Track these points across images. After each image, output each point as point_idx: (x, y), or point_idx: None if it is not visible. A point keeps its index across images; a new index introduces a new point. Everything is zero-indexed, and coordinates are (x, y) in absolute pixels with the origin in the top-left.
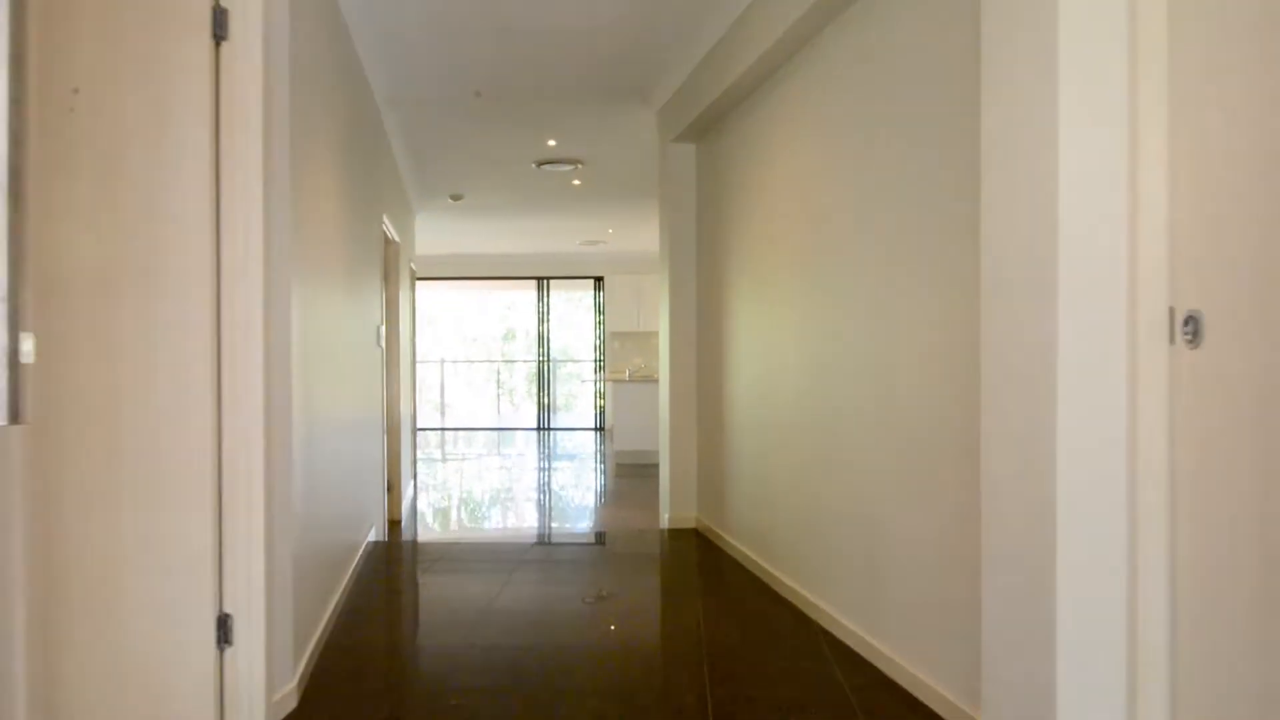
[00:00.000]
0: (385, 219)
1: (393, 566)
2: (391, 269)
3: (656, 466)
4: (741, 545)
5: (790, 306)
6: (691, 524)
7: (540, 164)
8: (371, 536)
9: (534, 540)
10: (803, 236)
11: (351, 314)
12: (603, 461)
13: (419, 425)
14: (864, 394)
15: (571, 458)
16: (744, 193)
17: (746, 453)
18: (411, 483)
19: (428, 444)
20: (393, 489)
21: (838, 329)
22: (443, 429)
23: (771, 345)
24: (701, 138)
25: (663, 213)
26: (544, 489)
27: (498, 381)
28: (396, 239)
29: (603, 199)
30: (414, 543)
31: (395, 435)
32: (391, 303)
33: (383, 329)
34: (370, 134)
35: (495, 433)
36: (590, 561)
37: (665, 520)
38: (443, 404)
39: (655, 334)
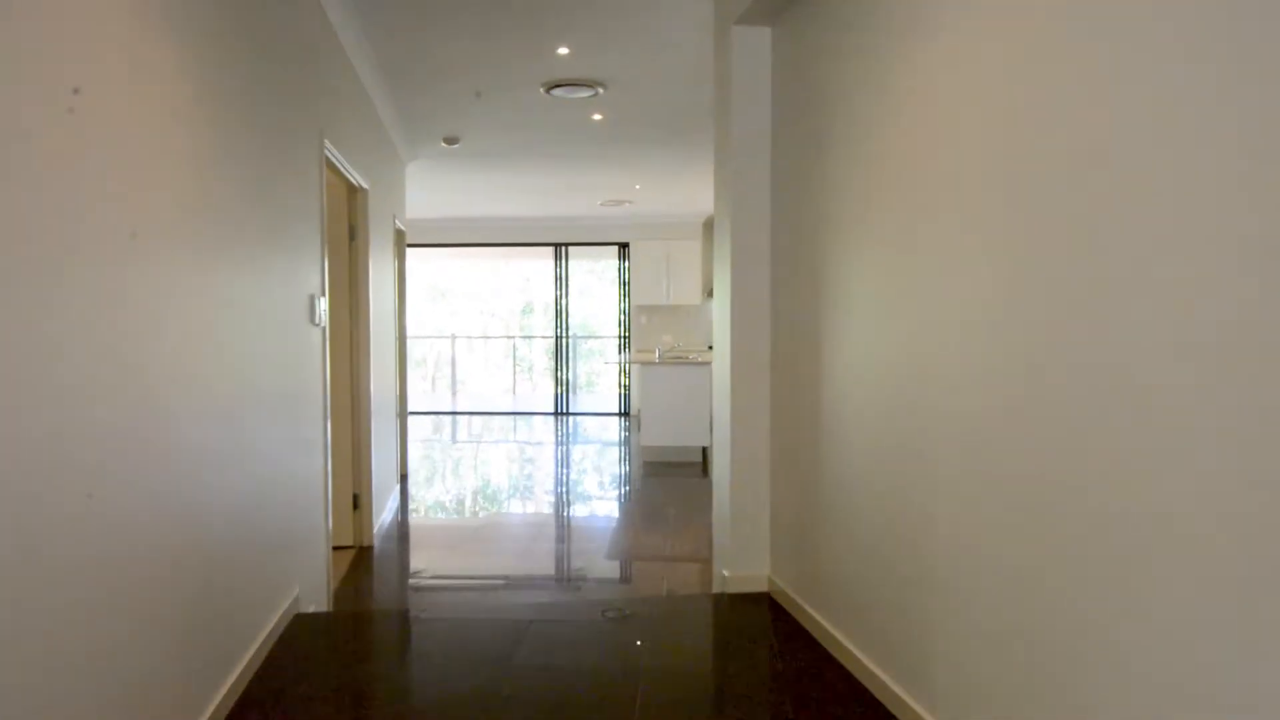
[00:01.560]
0: (330, 147)
1: (300, 679)
2: (358, 221)
3: (690, 467)
4: (853, 644)
5: (968, 269)
6: (761, 585)
7: (550, 87)
8: (298, 602)
9: (535, 612)
10: (1028, 156)
11: (232, 278)
12: (628, 457)
13: (422, 409)
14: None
15: (592, 449)
16: (866, 95)
17: (861, 487)
18: (396, 489)
19: (439, 431)
20: (361, 505)
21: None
22: (454, 413)
23: (925, 321)
24: (780, 15)
25: (721, 129)
26: (557, 498)
27: (514, 358)
28: (364, 185)
29: (628, 143)
30: (356, 616)
31: (362, 433)
32: (357, 266)
33: (321, 301)
34: (285, 19)
35: (510, 417)
36: (613, 665)
37: (723, 577)
38: (454, 384)
39: (686, 308)
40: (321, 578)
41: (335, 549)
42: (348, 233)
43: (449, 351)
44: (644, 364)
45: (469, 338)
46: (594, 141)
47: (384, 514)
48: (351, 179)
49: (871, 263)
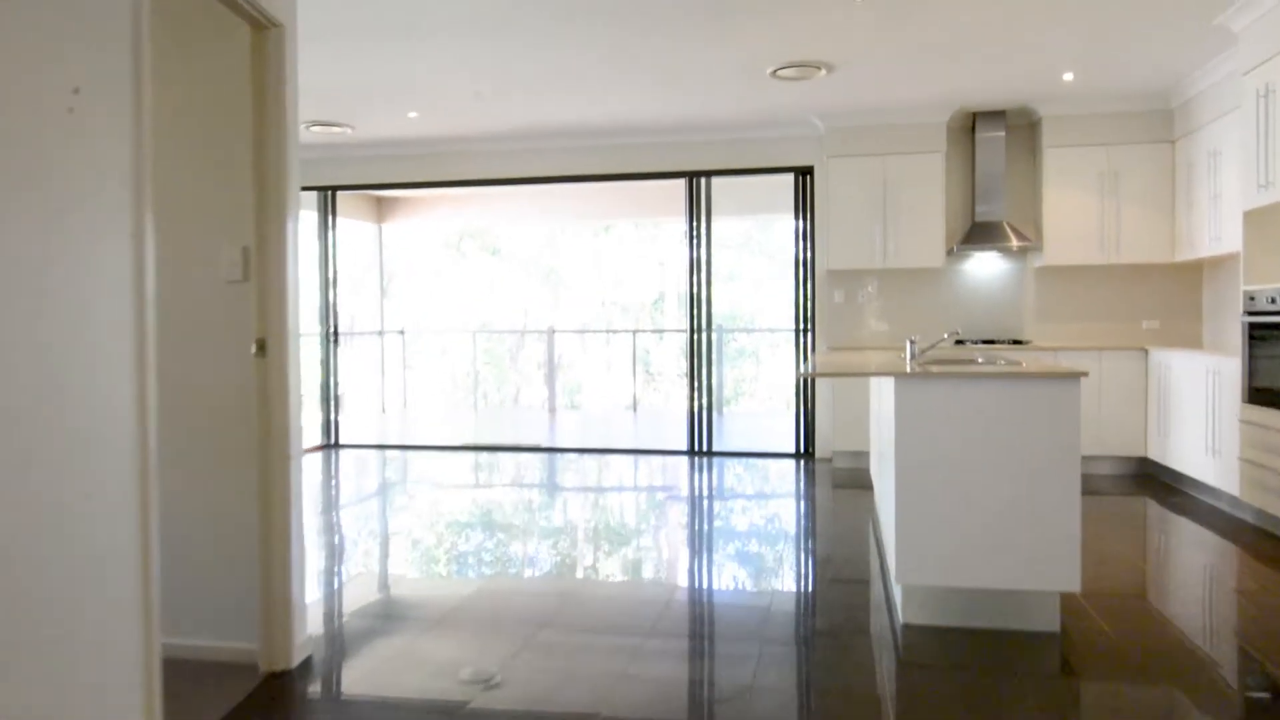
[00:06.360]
0: None
1: None
2: None
3: (1027, 651)
4: None
5: None
6: None
7: None
8: None
9: None
10: None
11: None
12: (814, 583)
13: (499, 443)
14: None
15: (761, 561)
16: None
17: None
18: None
19: (503, 478)
20: None
21: None
22: (545, 450)
23: None
24: None
25: None
26: None
27: (634, 365)
28: None
29: None
30: None
31: None
32: None
33: None
34: None
35: (625, 459)
36: None
37: None
38: (551, 399)
39: (918, 275)
40: None
41: None
42: None
43: (545, 351)
44: (899, 378)
45: (581, 332)
46: None
47: None
48: None
49: None
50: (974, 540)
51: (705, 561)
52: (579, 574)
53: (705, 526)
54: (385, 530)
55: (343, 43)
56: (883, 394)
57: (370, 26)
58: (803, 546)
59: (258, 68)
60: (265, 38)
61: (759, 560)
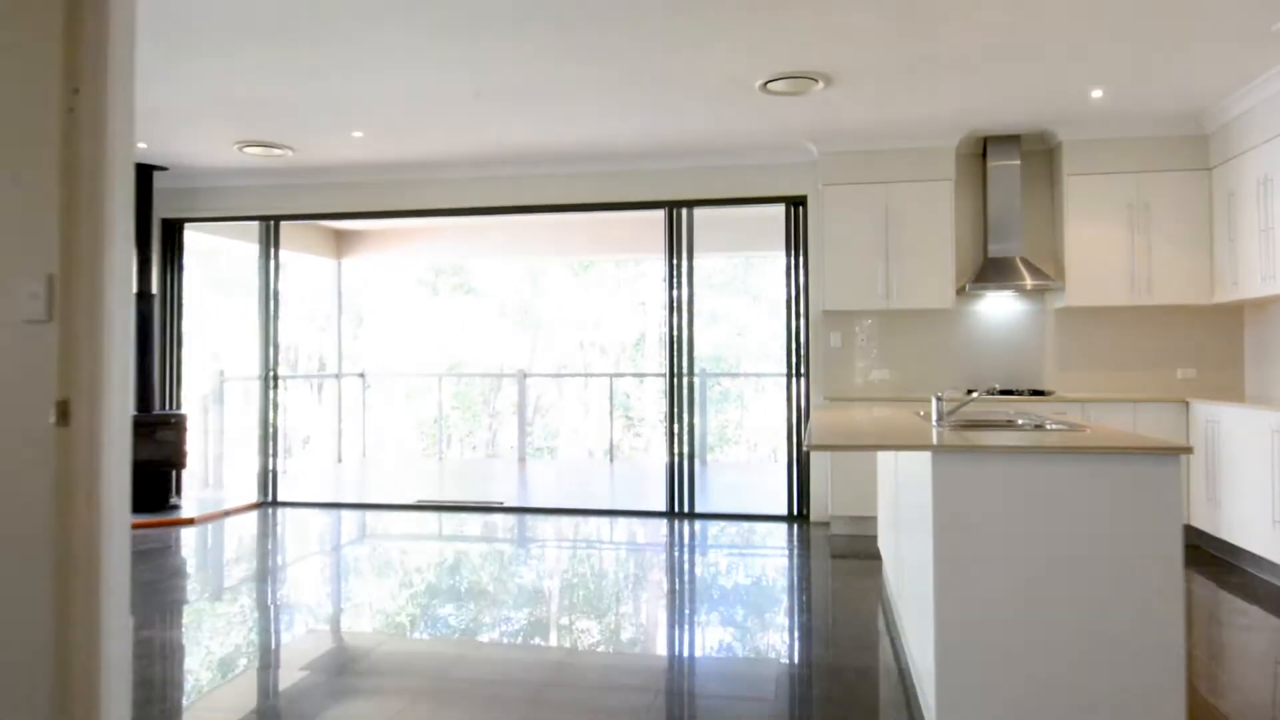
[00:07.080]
0: None
1: None
2: None
3: None
4: None
5: None
6: None
7: None
8: None
9: None
10: None
11: None
12: None
13: (438, 500)
14: None
15: (750, 681)
16: None
17: None
18: None
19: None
20: None
21: None
22: (516, 511)
23: None
24: None
25: None
26: None
27: (611, 410)
28: None
29: None
30: None
31: None
32: None
33: None
34: None
35: (592, 522)
36: None
37: None
38: (521, 448)
39: (923, 316)
40: None
41: None
42: None
43: (534, 396)
44: (938, 454)
45: (556, 376)
46: None
47: None
48: None
49: None
50: (1042, 675)
51: (680, 681)
52: (515, 689)
53: (677, 625)
54: (284, 626)
55: (249, 52)
56: (899, 456)
57: (274, 27)
58: (799, 653)
59: (71, 32)
60: None
61: (746, 679)
